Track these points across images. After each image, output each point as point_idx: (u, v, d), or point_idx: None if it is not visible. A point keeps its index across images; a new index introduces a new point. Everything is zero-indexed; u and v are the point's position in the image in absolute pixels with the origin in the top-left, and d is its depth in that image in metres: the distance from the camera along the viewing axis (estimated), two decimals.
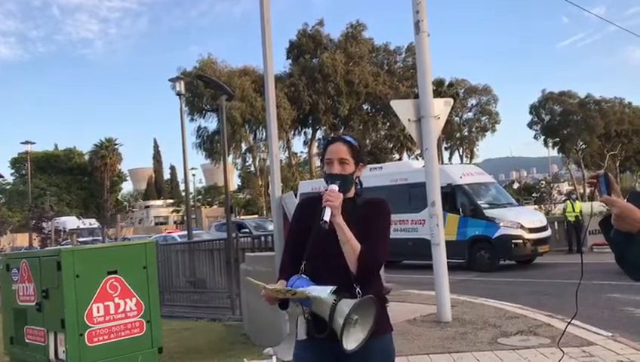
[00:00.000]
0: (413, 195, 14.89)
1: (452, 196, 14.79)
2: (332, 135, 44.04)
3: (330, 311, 2.11)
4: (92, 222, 42.16)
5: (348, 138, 2.43)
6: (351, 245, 2.21)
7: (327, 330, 2.13)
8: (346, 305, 2.10)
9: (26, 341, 4.71)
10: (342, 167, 2.36)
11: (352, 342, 2.11)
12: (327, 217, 2.19)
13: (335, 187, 2.27)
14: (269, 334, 6.43)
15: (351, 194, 2.41)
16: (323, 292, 2.15)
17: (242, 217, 44.30)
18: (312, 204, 2.38)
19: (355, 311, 2.09)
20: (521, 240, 13.98)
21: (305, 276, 2.27)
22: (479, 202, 14.83)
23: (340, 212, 2.23)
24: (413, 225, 15.20)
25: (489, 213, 14.44)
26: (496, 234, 14.01)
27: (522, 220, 14.40)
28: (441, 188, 14.83)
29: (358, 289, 2.20)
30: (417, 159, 50.97)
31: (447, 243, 14.42)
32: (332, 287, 2.15)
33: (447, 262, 14.79)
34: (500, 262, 14.34)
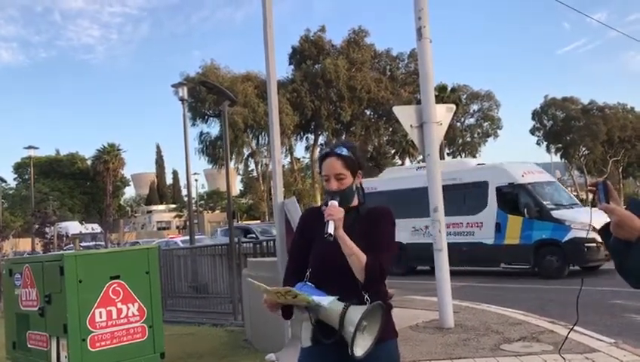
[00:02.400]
0: (467, 196, 14.21)
1: (514, 196, 13.80)
2: (333, 140, 44.06)
3: (340, 318, 2.11)
4: (94, 227, 42.13)
5: (341, 150, 2.40)
6: (357, 256, 2.21)
7: (336, 336, 2.13)
8: (355, 312, 2.11)
9: (29, 346, 4.72)
10: (339, 183, 2.35)
11: (360, 348, 2.11)
12: (331, 229, 2.20)
13: (335, 203, 2.28)
14: (271, 339, 6.43)
15: (354, 203, 2.42)
16: (325, 300, 2.15)
17: (248, 222, 44.35)
18: (315, 214, 2.40)
19: (364, 317, 2.10)
20: (594, 244, 12.50)
21: (310, 283, 2.28)
22: (545, 202, 13.51)
23: (342, 225, 2.23)
24: (468, 229, 14.38)
25: (557, 214, 13.16)
26: (567, 238, 12.74)
27: (594, 222, 13.61)
28: (502, 188, 14.17)
29: (366, 296, 2.21)
30: (416, 163, 50.94)
31: (510, 247, 13.81)
32: (334, 297, 2.16)
33: (511, 269, 14.19)
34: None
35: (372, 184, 15.65)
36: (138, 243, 28.40)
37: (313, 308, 2.18)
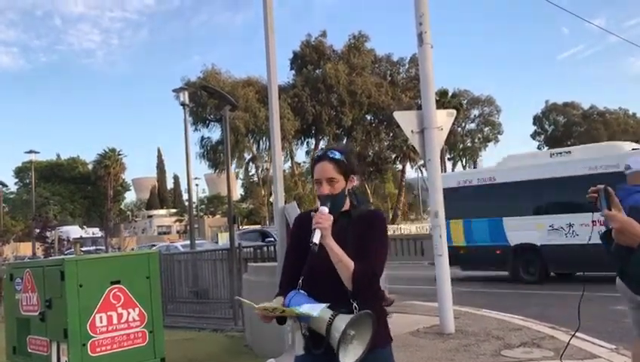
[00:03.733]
0: None
1: None
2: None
3: (327, 326, 2.10)
4: (95, 232, 42.10)
5: (333, 154, 2.37)
6: (344, 264, 2.18)
7: (324, 345, 2.13)
8: (341, 320, 2.09)
9: (29, 350, 4.72)
10: (331, 187, 2.32)
11: (350, 357, 2.10)
12: (316, 239, 2.18)
13: (325, 209, 2.25)
14: (271, 345, 6.42)
15: (346, 207, 2.39)
16: (314, 310, 2.14)
17: (253, 226, 44.29)
18: (308, 219, 2.37)
19: (351, 326, 2.08)
20: None
21: (302, 291, 2.28)
22: None
23: (329, 233, 2.20)
24: None
25: None
26: None
27: None
28: None
29: (355, 304, 2.18)
30: (420, 170, 50.52)
31: None
32: (324, 305, 2.14)
33: None
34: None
35: (488, 174, 13.83)
36: (154, 245, 27.82)
37: (304, 316, 2.18)
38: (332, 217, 2.24)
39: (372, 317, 2.15)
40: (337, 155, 2.36)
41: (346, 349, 2.10)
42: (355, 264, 2.18)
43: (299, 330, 2.26)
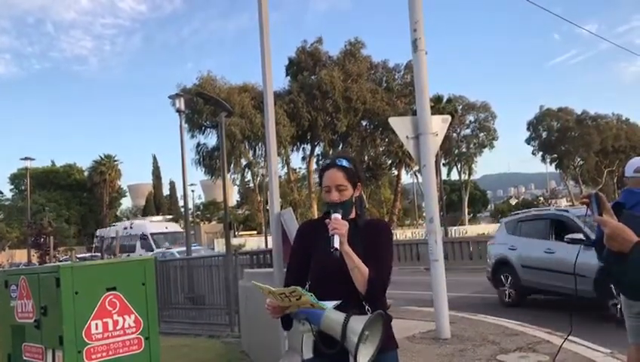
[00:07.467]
0: None
1: None
2: (330, 154, 44.02)
3: (342, 328, 2.14)
4: (168, 226, 38.01)
5: (342, 162, 2.44)
6: (359, 270, 2.25)
7: (339, 346, 2.16)
8: (356, 321, 2.14)
9: (24, 358, 4.69)
10: (340, 194, 2.38)
11: (363, 357, 2.14)
12: (337, 244, 2.23)
13: (339, 216, 2.31)
14: (267, 351, 6.41)
15: (352, 215, 2.45)
16: (328, 303, 2.19)
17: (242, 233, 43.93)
18: (313, 227, 2.43)
19: (366, 327, 2.13)
20: None
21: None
22: None
23: (346, 239, 2.26)
24: None
25: None
26: None
27: None
28: None
29: (367, 307, 2.25)
30: (416, 175, 50.49)
31: None
32: (336, 302, 2.20)
33: None
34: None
35: None
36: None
37: (314, 318, 2.21)
38: (347, 224, 2.29)
39: (383, 317, 2.22)
40: (345, 163, 2.43)
41: (360, 350, 2.14)
42: (370, 270, 2.25)
43: (308, 332, 2.28)
